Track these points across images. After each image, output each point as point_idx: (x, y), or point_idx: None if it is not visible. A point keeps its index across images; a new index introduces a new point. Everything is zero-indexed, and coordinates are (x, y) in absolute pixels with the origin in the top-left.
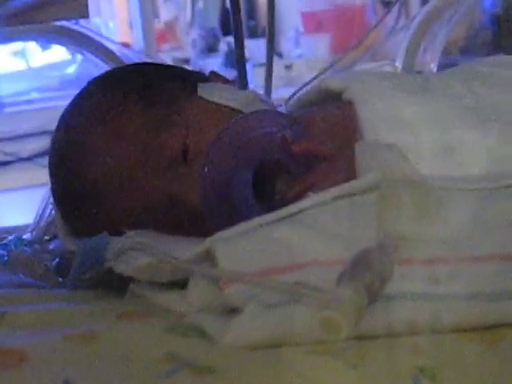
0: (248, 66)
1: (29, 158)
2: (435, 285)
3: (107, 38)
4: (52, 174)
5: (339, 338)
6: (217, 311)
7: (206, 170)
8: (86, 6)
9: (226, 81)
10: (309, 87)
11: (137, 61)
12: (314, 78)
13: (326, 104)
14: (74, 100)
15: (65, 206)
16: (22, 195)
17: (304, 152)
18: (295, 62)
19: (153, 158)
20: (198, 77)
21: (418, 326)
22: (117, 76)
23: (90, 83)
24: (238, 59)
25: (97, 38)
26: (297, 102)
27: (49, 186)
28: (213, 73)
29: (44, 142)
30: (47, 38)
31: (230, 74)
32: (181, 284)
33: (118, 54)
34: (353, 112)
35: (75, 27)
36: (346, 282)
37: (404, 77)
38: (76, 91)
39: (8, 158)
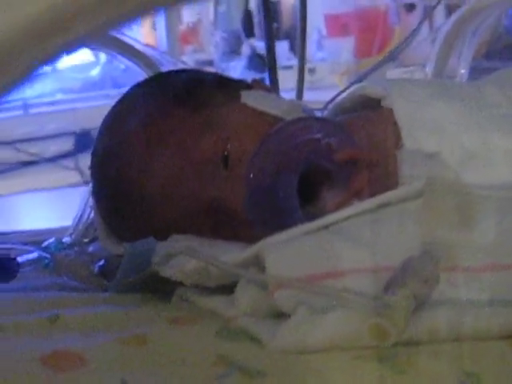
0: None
1: (52, 159)
2: (478, 292)
3: (136, 40)
4: (95, 178)
5: (387, 345)
6: (265, 315)
7: (251, 175)
8: None
9: (267, 89)
10: (345, 94)
11: (164, 63)
12: (352, 84)
13: (364, 111)
14: (116, 104)
15: (107, 210)
16: (46, 196)
17: (348, 159)
18: (318, 65)
19: (194, 164)
20: (241, 84)
21: (462, 332)
22: (160, 81)
23: (133, 88)
24: (269, 63)
25: (127, 39)
26: (335, 108)
27: (87, 188)
28: (255, 81)
29: (68, 143)
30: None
31: (253, 76)
32: (227, 288)
33: (148, 55)
34: (392, 119)
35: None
36: (394, 289)
37: (441, 84)
38: (99, 93)
39: (32, 159)
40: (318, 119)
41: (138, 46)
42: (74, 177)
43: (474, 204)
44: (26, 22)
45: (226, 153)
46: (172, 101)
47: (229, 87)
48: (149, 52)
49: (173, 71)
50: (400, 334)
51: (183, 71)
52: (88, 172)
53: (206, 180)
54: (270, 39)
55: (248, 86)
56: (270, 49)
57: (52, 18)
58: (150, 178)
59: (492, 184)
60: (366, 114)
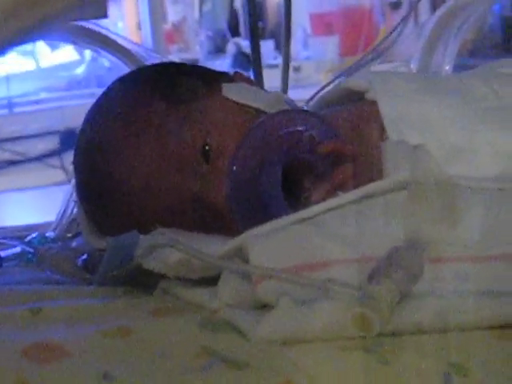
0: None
1: (38, 158)
2: (463, 283)
3: (123, 37)
4: (77, 173)
5: (371, 335)
6: (248, 307)
7: (234, 168)
8: (106, 6)
9: (250, 82)
10: (330, 87)
11: (150, 60)
12: (335, 78)
13: (348, 104)
14: (98, 98)
15: (90, 204)
16: (31, 194)
17: (331, 151)
18: (303, 63)
19: (175, 158)
20: (223, 77)
21: (446, 323)
22: (141, 75)
23: (115, 82)
24: (254, 61)
25: (114, 36)
26: (319, 102)
27: (71, 184)
28: (237, 73)
29: (53, 142)
30: (64, 37)
31: None
32: (210, 281)
33: (134, 52)
34: (376, 112)
35: (92, 26)
36: (378, 280)
37: (426, 78)
38: (84, 92)
39: (17, 158)
40: (300, 112)
41: (124, 43)
42: (60, 175)
43: (458, 196)
44: None
45: (206, 147)
46: (153, 94)
47: (210, 80)
48: (135, 49)
49: (155, 64)
50: (384, 325)
51: (165, 64)
52: (72, 170)
53: (187, 174)
54: (255, 38)
55: (230, 79)
56: (255, 48)
57: None
58: (131, 172)
59: (477, 177)
60: (349, 107)
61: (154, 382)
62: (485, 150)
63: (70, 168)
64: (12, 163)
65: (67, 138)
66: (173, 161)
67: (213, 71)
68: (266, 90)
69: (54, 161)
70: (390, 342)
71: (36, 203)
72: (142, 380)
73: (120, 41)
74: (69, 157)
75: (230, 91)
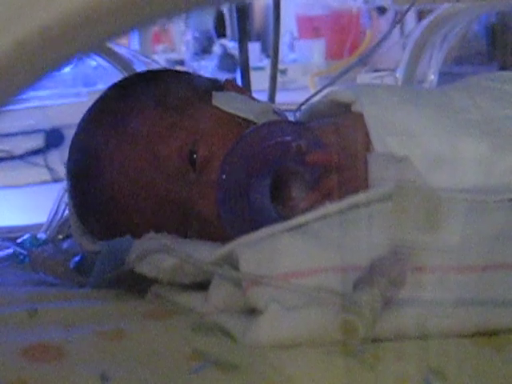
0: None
1: (22, 156)
2: (443, 291)
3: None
4: (70, 177)
5: (356, 340)
6: (238, 311)
7: (223, 176)
8: None
9: (240, 90)
10: (317, 97)
11: (136, 61)
12: (324, 87)
13: (335, 115)
14: (93, 104)
15: (81, 208)
16: (15, 193)
17: (318, 161)
18: (290, 66)
19: (163, 165)
20: (214, 85)
21: (426, 330)
22: (133, 82)
23: (108, 88)
24: (242, 64)
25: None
26: (307, 112)
27: (62, 185)
28: (228, 81)
29: (37, 141)
30: None
31: (224, 76)
32: (201, 286)
33: (120, 53)
34: (362, 124)
35: None
36: (363, 287)
37: (410, 90)
38: (70, 91)
39: (1, 156)
40: (288, 122)
41: (110, 44)
42: (44, 174)
43: (440, 207)
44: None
45: (194, 155)
46: (145, 101)
47: (201, 88)
48: (121, 50)
49: (147, 71)
50: (368, 331)
51: (157, 71)
52: (58, 169)
53: (175, 181)
54: (243, 40)
55: (220, 87)
56: (243, 50)
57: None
58: (121, 177)
59: (459, 188)
60: (336, 119)
61: (149, 383)
62: (465, 160)
63: (55, 167)
64: None
65: (52, 137)
66: (161, 168)
67: (204, 78)
68: (255, 99)
69: (39, 159)
70: (372, 348)
71: (20, 202)
72: (137, 381)
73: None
74: (53, 156)
75: (219, 100)
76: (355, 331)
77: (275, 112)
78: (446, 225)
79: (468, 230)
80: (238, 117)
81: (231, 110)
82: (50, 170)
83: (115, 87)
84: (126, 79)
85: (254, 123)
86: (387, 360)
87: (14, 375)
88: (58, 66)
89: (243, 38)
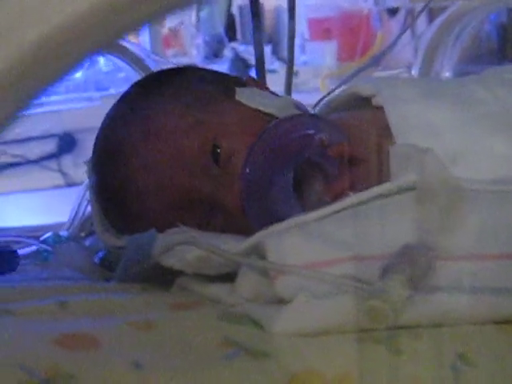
0: (254, 73)
1: (36, 161)
2: (470, 280)
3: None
4: (95, 173)
5: (383, 327)
6: (265, 302)
7: (247, 170)
8: None
9: (261, 86)
10: (337, 92)
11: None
12: (339, 85)
13: (355, 109)
14: (117, 101)
15: (107, 203)
16: (29, 197)
17: (340, 154)
18: (301, 68)
19: (187, 160)
20: (236, 81)
21: (454, 317)
22: (157, 79)
23: (131, 86)
24: (257, 67)
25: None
26: (326, 106)
27: (84, 184)
28: (250, 78)
29: (50, 145)
30: None
31: None
32: (226, 277)
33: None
34: (383, 117)
35: None
36: (390, 275)
37: (429, 83)
38: (82, 95)
39: (16, 160)
40: (311, 116)
41: (126, 44)
42: (57, 179)
43: (464, 197)
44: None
45: (217, 149)
46: (168, 98)
47: (223, 84)
48: (136, 50)
49: (172, 68)
50: (396, 318)
51: (180, 68)
52: (71, 174)
53: (199, 175)
54: (259, 43)
55: (243, 83)
56: (259, 54)
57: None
58: (146, 173)
59: (480, 180)
60: (357, 112)
61: (182, 370)
62: (483, 153)
63: (68, 171)
64: (10, 166)
65: (65, 142)
66: (185, 162)
67: (226, 75)
68: (276, 94)
69: (52, 164)
70: (399, 334)
71: (34, 205)
72: (170, 369)
73: (123, 43)
74: (66, 160)
75: (242, 95)
76: (383, 318)
77: (296, 106)
78: (470, 215)
79: (491, 219)
80: (261, 111)
81: (254, 105)
82: (63, 174)
83: (139, 84)
84: (149, 76)
85: (276, 117)
86: (415, 345)
87: (50, 363)
88: (75, 65)
89: (258, 40)
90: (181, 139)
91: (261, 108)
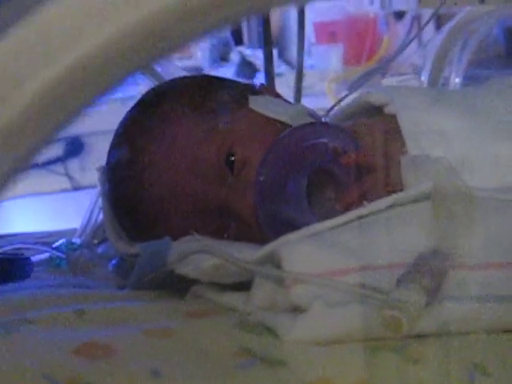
0: (261, 76)
1: (42, 165)
2: (485, 289)
3: None
4: (109, 180)
5: (400, 335)
6: (280, 310)
7: (261, 178)
8: None
9: (275, 94)
10: (348, 100)
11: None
12: (349, 93)
13: (367, 117)
14: (131, 108)
15: (120, 210)
16: (36, 201)
17: (354, 162)
18: (307, 72)
19: (201, 166)
20: (250, 89)
21: (470, 326)
22: (172, 86)
23: (146, 93)
24: (266, 71)
25: None
26: (339, 114)
27: (96, 191)
28: (263, 86)
29: (57, 149)
30: None
31: None
32: (240, 286)
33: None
34: (395, 126)
35: None
36: (406, 284)
37: (443, 92)
38: None
39: None
40: (324, 124)
41: None
42: (64, 182)
43: (478, 206)
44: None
45: (231, 157)
46: (183, 105)
47: (237, 92)
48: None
49: (186, 76)
50: (412, 327)
51: (194, 77)
52: (77, 178)
53: (213, 183)
54: (269, 49)
55: (256, 91)
56: (269, 58)
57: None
58: (160, 180)
59: (492, 187)
60: (369, 120)
61: (199, 378)
62: (489, 160)
63: (75, 175)
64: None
65: (72, 146)
66: (200, 170)
67: (240, 83)
68: (290, 102)
69: (59, 168)
70: (418, 343)
71: (42, 209)
72: (187, 377)
73: None
74: (73, 164)
75: (256, 103)
76: (399, 327)
77: (310, 114)
78: (484, 224)
79: (503, 228)
80: (275, 119)
81: (267, 113)
82: (70, 178)
83: (154, 92)
84: (163, 84)
85: (290, 126)
86: (431, 354)
87: (70, 373)
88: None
89: (267, 44)
90: (195, 147)
91: (274, 116)
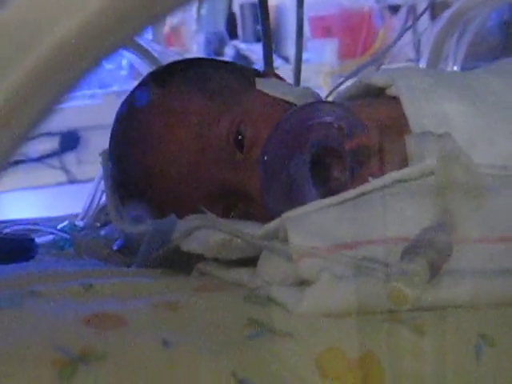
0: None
1: (39, 159)
2: (489, 262)
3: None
4: (113, 161)
5: (405, 308)
6: (288, 284)
7: (265, 157)
8: None
9: (279, 77)
10: (348, 84)
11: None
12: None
13: (370, 98)
14: (134, 90)
15: (126, 192)
16: (32, 195)
17: (359, 141)
18: (302, 66)
19: (210, 147)
20: (255, 71)
21: (475, 299)
22: (175, 68)
23: (149, 74)
24: (266, 65)
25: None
26: (340, 97)
27: (98, 174)
28: (268, 69)
29: (53, 143)
30: None
31: None
32: (247, 262)
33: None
34: (398, 107)
35: None
36: (411, 257)
37: (445, 73)
38: (85, 93)
39: (18, 158)
40: (329, 104)
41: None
42: (60, 176)
43: (483, 180)
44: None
45: (240, 137)
46: (189, 86)
47: (243, 74)
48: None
49: (190, 59)
50: (416, 298)
51: (200, 59)
52: (73, 171)
53: (221, 163)
54: (268, 42)
55: (261, 74)
56: (268, 52)
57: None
58: (167, 159)
59: (491, 164)
60: (372, 101)
61: (209, 348)
62: (492, 141)
63: (71, 168)
64: (13, 163)
65: (68, 139)
66: (207, 150)
67: (245, 67)
68: (294, 85)
69: (55, 161)
70: (425, 316)
71: (38, 203)
72: (197, 347)
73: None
74: (69, 157)
75: (263, 85)
76: (405, 299)
77: (314, 96)
78: (489, 198)
79: (506, 202)
80: (281, 100)
81: (274, 94)
82: (66, 171)
83: (157, 72)
84: (167, 65)
85: (296, 105)
86: (438, 326)
87: (82, 342)
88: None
89: (267, 38)
90: (204, 126)
91: (280, 96)
